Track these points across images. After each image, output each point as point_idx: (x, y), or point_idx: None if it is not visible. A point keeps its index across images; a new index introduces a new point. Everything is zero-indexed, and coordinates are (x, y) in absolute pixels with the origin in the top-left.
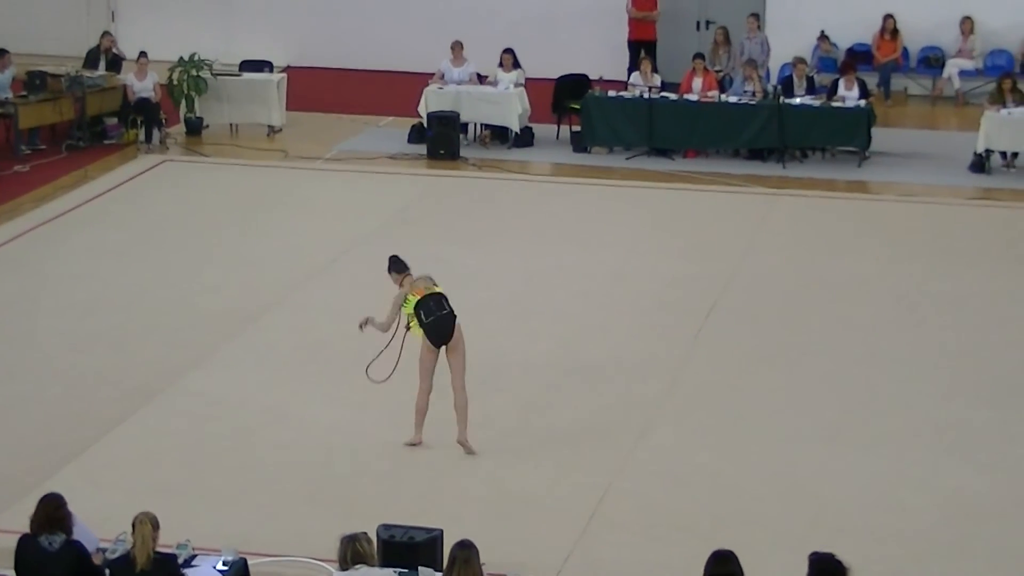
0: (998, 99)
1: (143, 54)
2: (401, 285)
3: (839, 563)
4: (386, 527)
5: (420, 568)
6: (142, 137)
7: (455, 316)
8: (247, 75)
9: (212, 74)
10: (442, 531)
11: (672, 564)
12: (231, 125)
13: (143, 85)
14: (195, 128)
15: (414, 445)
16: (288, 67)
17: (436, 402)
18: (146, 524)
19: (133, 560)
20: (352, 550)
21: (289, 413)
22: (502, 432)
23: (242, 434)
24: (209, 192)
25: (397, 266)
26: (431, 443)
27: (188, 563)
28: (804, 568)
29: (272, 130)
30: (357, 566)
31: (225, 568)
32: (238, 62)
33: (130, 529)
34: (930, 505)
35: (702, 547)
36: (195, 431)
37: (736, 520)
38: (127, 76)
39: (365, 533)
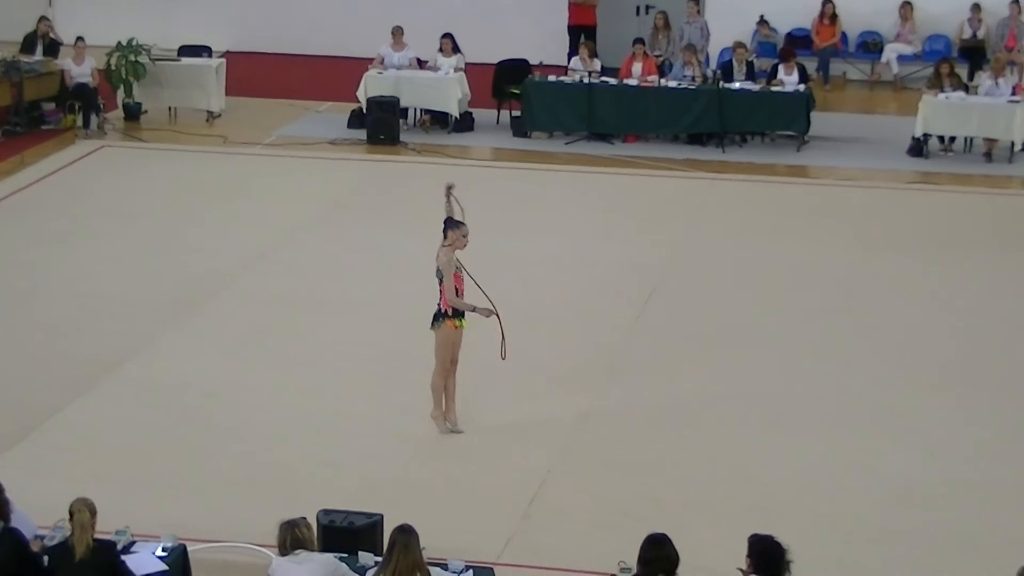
0: (936, 84)
1: (80, 39)
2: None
3: (778, 545)
4: (326, 512)
5: (360, 553)
6: (80, 123)
7: None
8: (186, 60)
9: (150, 59)
10: (382, 516)
11: (612, 549)
12: (170, 110)
13: (81, 70)
14: (134, 113)
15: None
16: (227, 52)
17: (372, 388)
18: (84, 511)
19: (72, 547)
20: (291, 536)
21: (230, 399)
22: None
23: (182, 421)
24: (148, 178)
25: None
26: (371, 429)
27: (127, 549)
28: (744, 550)
29: (211, 115)
30: (297, 551)
31: (164, 554)
32: (177, 47)
33: (68, 516)
34: (869, 489)
35: (642, 531)
36: (135, 418)
37: (676, 504)
38: (65, 61)
39: (304, 518)
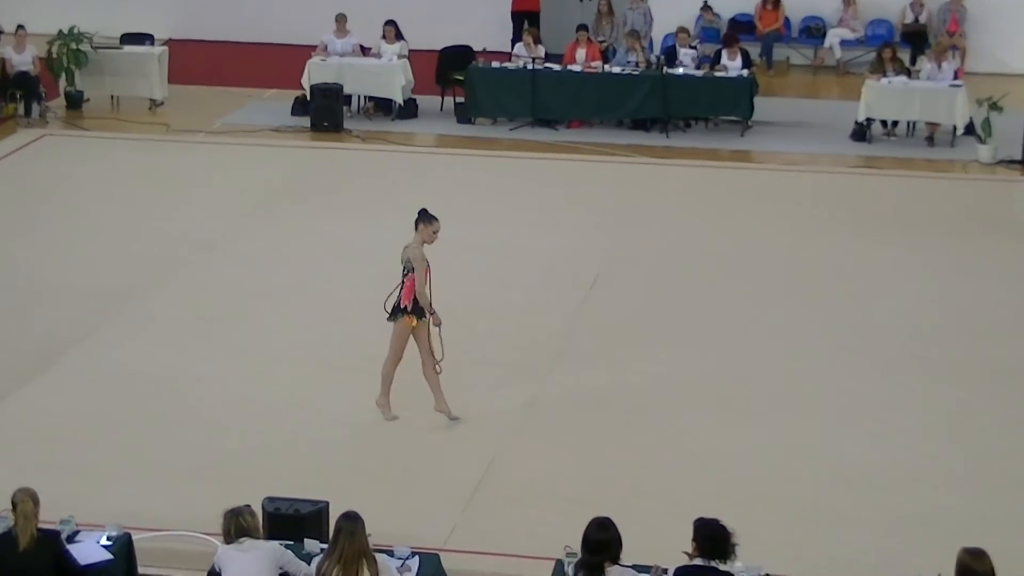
0: (878, 68)
1: (21, 27)
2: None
3: (723, 528)
4: (271, 500)
5: (306, 540)
6: (21, 111)
7: None
8: (128, 48)
9: (92, 47)
10: (328, 503)
11: (557, 533)
12: (112, 98)
13: (22, 58)
14: (76, 102)
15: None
16: (170, 40)
17: (317, 375)
18: (27, 501)
19: (15, 538)
20: (236, 524)
21: (174, 388)
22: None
23: (127, 409)
24: (91, 167)
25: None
26: (316, 416)
27: (71, 539)
28: (689, 534)
29: (154, 104)
30: (242, 539)
31: (109, 543)
32: (119, 35)
33: (11, 507)
34: (816, 472)
35: (587, 516)
36: (79, 407)
37: (622, 489)
38: (5, 49)
39: (248, 506)
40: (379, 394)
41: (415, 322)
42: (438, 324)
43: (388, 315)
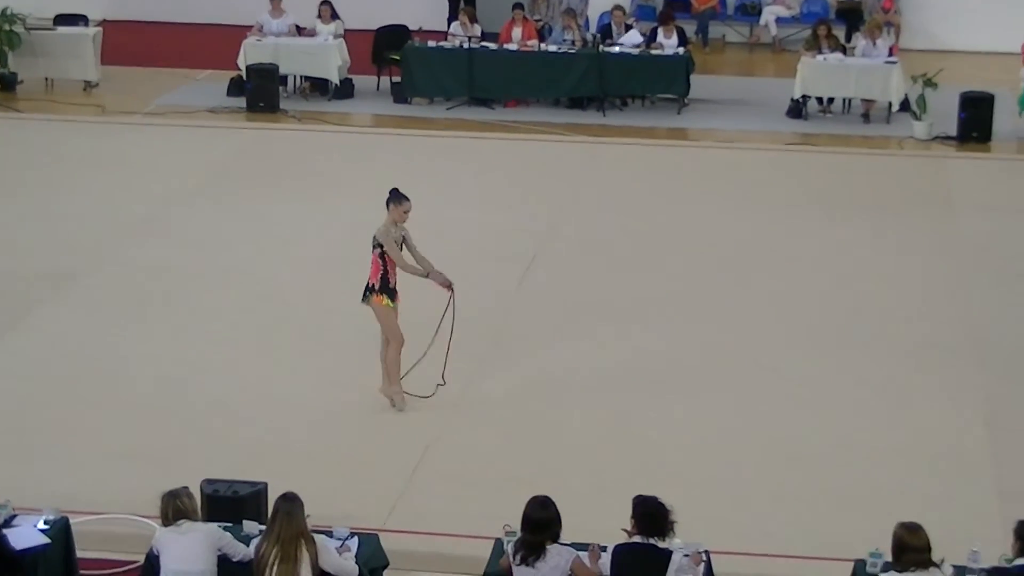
0: (814, 45)
1: None
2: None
3: (662, 506)
4: (209, 482)
5: (244, 521)
6: None
7: None
8: (62, 29)
9: (25, 28)
10: (266, 484)
11: (497, 513)
12: (46, 80)
13: None
14: (9, 84)
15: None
16: (104, 21)
17: (254, 357)
18: None
19: None
20: (174, 506)
21: (110, 371)
22: (329, 384)
23: (62, 393)
24: (25, 149)
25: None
26: (255, 398)
27: (8, 523)
28: (628, 511)
29: (88, 85)
30: (180, 522)
31: (46, 527)
32: (52, 16)
33: None
34: (752, 449)
35: (526, 495)
36: (14, 391)
37: (561, 467)
38: None
39: (186, 488)
40: (386, 384)
41: (386, 301)
42: (448, 285)
43: (362, 297)
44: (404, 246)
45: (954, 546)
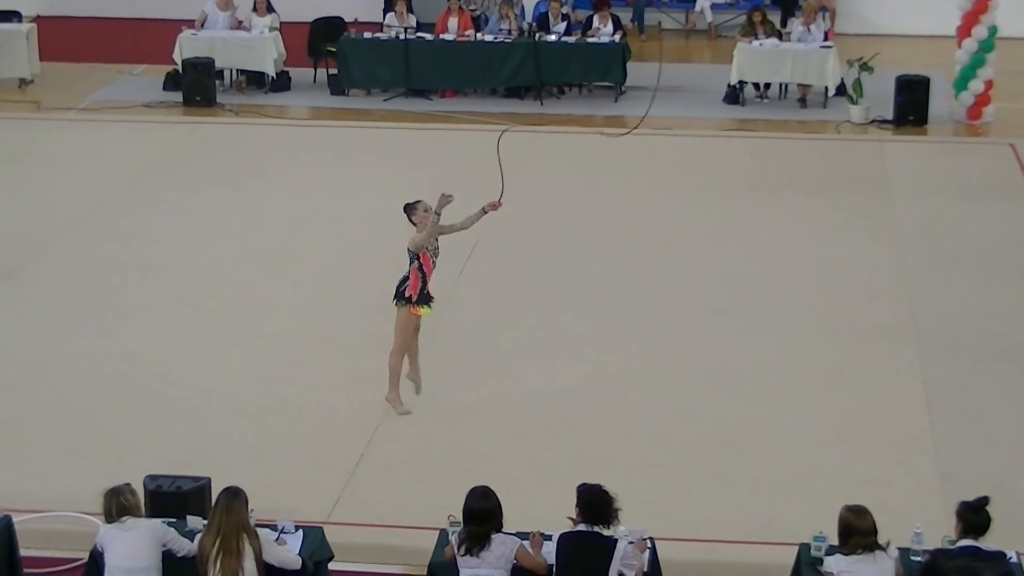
0: (749, 31)
1: None
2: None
3: (606, 493)
4: (152, 477)
5: (188, 516)
6: None
7: None
8: None
9: None
10: (210, 479)
11: (440, 502)
12: None
13: None
14: None
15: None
16: (38, 17)
17: (195, 351)
18: None
19: None
20: (116, 503)
21: (49, 367)
22: (268, 379)
23: (2, 390)
24: None
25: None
26: (196, 393)
27: None
28: (572, 500)
29: (23, 82)
30: (123, 518)
31: None
32: None
33: None
34: (692, 435)
35: (468, 485)
36: None
37: (503, 457)
38: None
39: (129, 484)
40: (388, 390)
41: (424, 310)
42: (494, 206)
43: (393, 298)
44: (441, 230)
45: (897, 528)
